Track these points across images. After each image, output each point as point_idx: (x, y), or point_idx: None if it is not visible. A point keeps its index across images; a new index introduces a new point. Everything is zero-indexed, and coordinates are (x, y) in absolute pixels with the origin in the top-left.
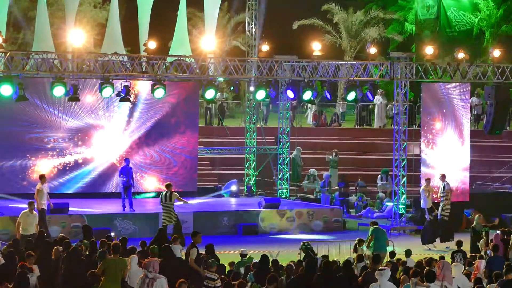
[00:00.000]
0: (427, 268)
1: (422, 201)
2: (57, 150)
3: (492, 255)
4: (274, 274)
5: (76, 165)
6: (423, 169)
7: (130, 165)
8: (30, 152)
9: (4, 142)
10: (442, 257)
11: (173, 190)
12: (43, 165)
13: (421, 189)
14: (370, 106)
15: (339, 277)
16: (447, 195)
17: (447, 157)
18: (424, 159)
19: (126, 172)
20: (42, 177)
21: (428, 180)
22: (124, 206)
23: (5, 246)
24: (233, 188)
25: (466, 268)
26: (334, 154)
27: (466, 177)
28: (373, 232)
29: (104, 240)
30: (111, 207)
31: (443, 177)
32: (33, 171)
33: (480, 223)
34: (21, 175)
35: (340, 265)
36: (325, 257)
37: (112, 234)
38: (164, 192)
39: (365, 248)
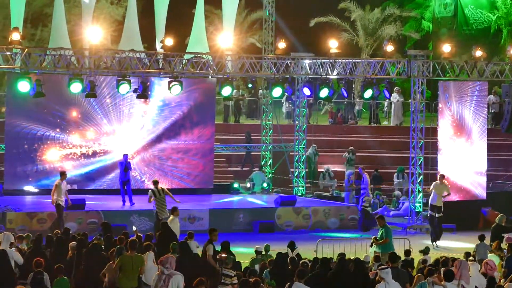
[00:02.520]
0: (444, 267)
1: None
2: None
3: (509, 255)
4: (303, 269)
5: (85, 158)
6: (439, 157)
7: (129, 160)
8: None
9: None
10: (467, 253)
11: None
12: (51, 153)
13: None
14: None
15: (353, 274)
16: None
17: (461, 156)
18: (440, 148)
19: (125, 166)
20: (62, 174)
21: (441, 176)
22: (124, 201)
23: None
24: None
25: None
26: (350, 152)
27: (482, 179)
28: (387, 234)
29: (122, 237)
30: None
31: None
32: (41, 156)
33: (503, 223)
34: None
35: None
36: (342, 255)
37: (134, 228)
38: (155, 188)
39: (371, 248)
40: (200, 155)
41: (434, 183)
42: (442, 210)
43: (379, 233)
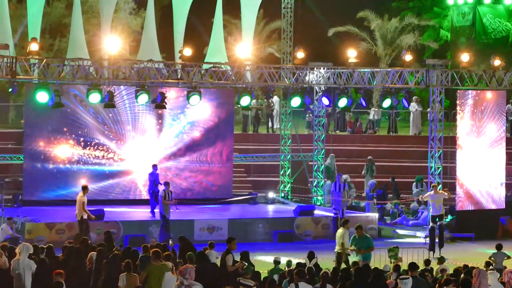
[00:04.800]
0: (463, 276)
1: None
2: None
3: None
4: (301, 269)
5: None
6: (458, 158)
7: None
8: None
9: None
10: (487, 262)
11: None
12: (69, 162)
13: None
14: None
15: (372, 284)
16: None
17: (480, 165)
18: (459, 145)
19: (154, 178)
20: (84, 188)
21: (434, 186)
22: (152, 212)
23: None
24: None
25: None
26: (369, 161)
27: (501, 192)
28: (370, 242)
29: (146, 245)
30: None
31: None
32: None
33: None
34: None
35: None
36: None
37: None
38: (167, 189)
39: (355, 255)
40: (218, 164)
41: (428, 193)
42: (456, 219)
43: (354, 241)
